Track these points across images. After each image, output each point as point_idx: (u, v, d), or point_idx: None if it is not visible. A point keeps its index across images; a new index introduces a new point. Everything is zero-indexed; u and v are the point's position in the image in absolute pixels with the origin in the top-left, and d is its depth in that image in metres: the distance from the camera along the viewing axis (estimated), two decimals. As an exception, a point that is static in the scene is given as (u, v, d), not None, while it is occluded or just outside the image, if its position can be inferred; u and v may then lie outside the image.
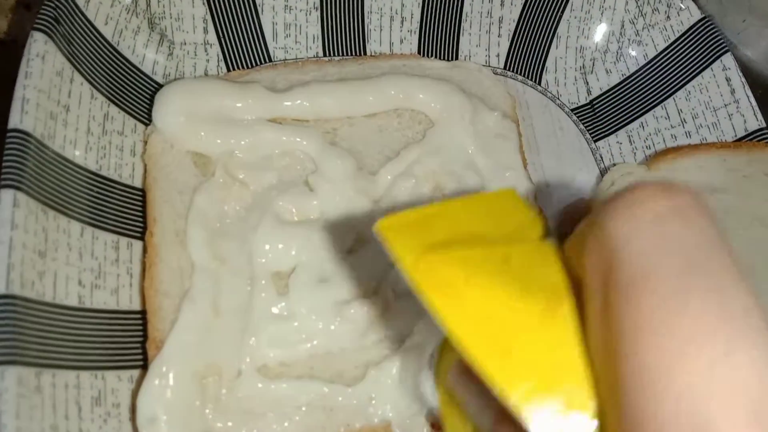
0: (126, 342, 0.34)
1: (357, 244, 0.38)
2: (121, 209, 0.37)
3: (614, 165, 0.45)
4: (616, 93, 0.48)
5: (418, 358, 0.34)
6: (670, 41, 0.46)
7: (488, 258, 0.22)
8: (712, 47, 0.45)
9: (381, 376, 0.35)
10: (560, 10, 0.48)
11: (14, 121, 0.32)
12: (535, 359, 0.20)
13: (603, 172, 0.47)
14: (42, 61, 0.33)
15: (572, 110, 0.48)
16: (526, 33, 0.48)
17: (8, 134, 0.32)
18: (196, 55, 0.42)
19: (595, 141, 0.48)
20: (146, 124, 0.39)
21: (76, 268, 0.33)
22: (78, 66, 0.36)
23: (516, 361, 0.20)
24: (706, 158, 0.42)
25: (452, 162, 0.41)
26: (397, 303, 0.37)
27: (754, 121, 0.43)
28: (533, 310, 0.21)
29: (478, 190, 0.40)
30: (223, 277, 0.35)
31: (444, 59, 0.46)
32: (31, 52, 0.33)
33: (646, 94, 0.47)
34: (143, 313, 0.35)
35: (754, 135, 0.43)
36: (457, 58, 0.47)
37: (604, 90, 0.48)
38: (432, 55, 0.46)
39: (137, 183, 0.38)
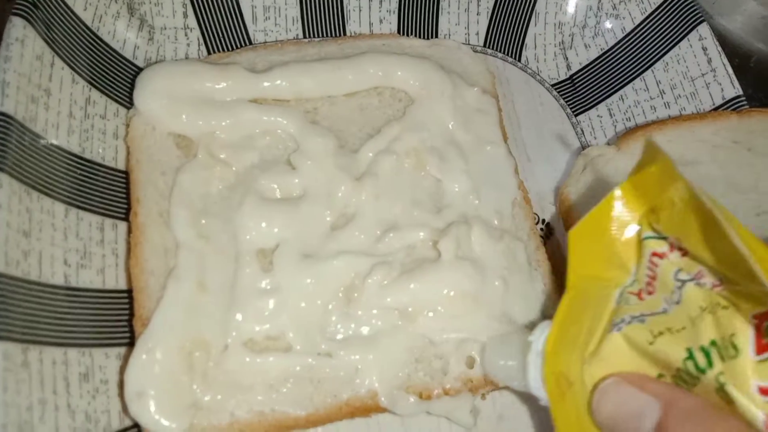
0: (113, 320, 0.35)
1: (340, 221, 0.38)
2: (106, 191, 0.37)
3: (586, 148, 0.46)
4: (596, 67, 0.49)
5: (522, 343, 0.33)
6: (647, 13, 0.47)
7: None
8: (688, 18, 0.45)
9: (366, 347, 0.36)
10: (538, -13, 0.48)
11: (-5, 103, 0.32)
12: None
13: (584, 146, 0.47)
14: (21, 45, 0.34)
15: (552, 85, 0.49)
16: (504, 10, 0.48)
17: (-10, 117, 0.32)
18: (176, 39, 0.43)
19: (575, 115, 0.48)
20: (128, 108, 0.40)
21: (61, 248, 0.34)
22: (58, 51, 0.36)
23: None
24: (674, 132, 0.42)
25: (433, 138, 0.41)
26: (379, 277, 0.37)
27: (731, 89, 0.44)
28: None
29: (459, 164, 0.41)
30: (207, 255, 0.36)
31: (423, 38, 0.47)
32: (10, 36, 0.34)
33: (624, 67, 0.48)
34: (129, 291, 0.36)
35: (732, 103, 0.43)
36: (436, 38, 0.47)
37: (583, 65, 0.49)
38: (412, 35, 0.47)
39: (120, 165, 0.38)
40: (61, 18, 0.37)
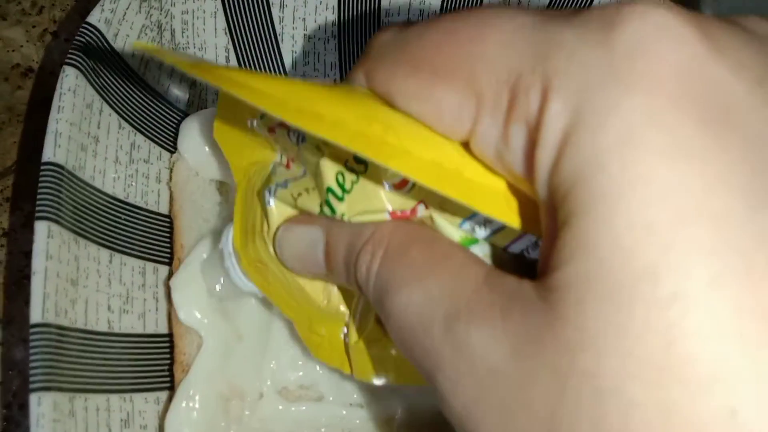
0: (152, 364, 0.36)
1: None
2: (148, 235, 0.38)
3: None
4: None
5: (212, 261, 0.34)
6: None
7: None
8: None
9: (396, 398, 0.36)
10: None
11: (48, 154, 0.33)
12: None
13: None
14: (73, 95, 0.35)
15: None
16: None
17: (42, 167, 0.33)
18: (218, 83, 0.44)
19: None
20: (171, 152, 0.41)
21: (106, 294, 0.35)
22: (106, 97, 0.37)
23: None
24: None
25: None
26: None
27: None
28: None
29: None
30: (243, 301, 0.37)
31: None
32: (63, 86, 0.35)
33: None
34: (169, 336, 0.37)
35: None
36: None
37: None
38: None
39: (162, 209, 0.39)
40: (110, 65, 0.38)
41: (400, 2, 0.44)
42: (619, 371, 0.16)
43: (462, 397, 0.19)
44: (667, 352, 0.16)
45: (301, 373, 0.36)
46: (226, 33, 0.43)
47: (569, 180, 0.17)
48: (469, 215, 0.24)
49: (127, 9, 0.38)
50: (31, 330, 0.30)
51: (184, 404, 0.34)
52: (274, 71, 0.45)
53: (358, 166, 0.26)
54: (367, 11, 0.44)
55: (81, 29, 0.36)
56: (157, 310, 0.37)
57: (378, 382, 0.30)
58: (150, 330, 0.37)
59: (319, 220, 0.27)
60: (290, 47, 0.45)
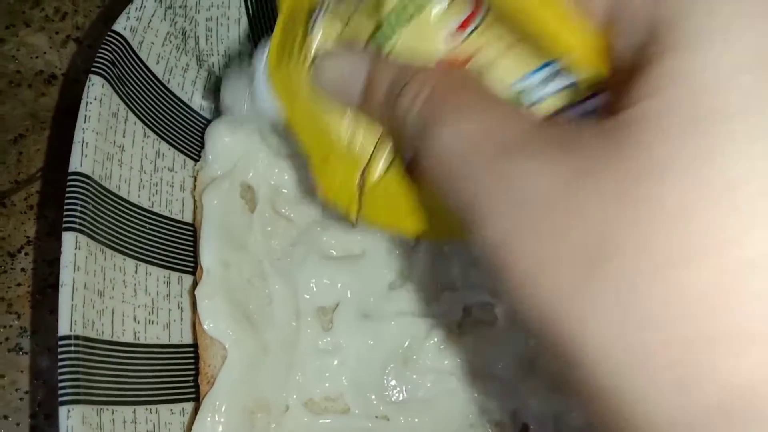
0: (178, 375, 0.36)
1: (398, 280, 0.39)
2: (172, 244, 0.38)
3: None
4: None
5: (239, 81, 0.32)
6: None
7: None
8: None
9: (422, 411, 0.36)
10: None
11: (74, 164, 0.33)
12: None
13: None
14: (99, 104, 0.35)
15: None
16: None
17: (69, 177, 0.33)
18: (242, 89, 0.43)
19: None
20: (195, 160, 0.40)
21: (131, 304, 0.34)
22: (132, 106, 0.37)
23: None
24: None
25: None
26: (437, 338, 0.37)
27: None
28: None
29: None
30: (269, 313, 0.36)
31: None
32: (89, 95, 0.35)
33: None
34: (194, 346, 0.36)
35: None
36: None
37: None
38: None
39: (187, 218, 0.39)
40: (136, 73, 0.37)
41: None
42: (692, 197, 0.15)
43: (501, 225, 0.18)
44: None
45: (327, 385, 0.36)
46: (250, 40, 0.43)
47: (666, 19, 0.17)
48: (531, 72, 0.23)
49: (152, 17, 0.38)
50: (60, 342, 0.30)
51: (209, 417, 0.33)
52: (298, 78, 0.44)
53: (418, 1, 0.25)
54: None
55: (107, 38, 0.36)
56: (182, 320, 0.37)
57: (383, 229, 0.30)
58: (175, 340, 0.36)
59: (366, 50, 0.27)
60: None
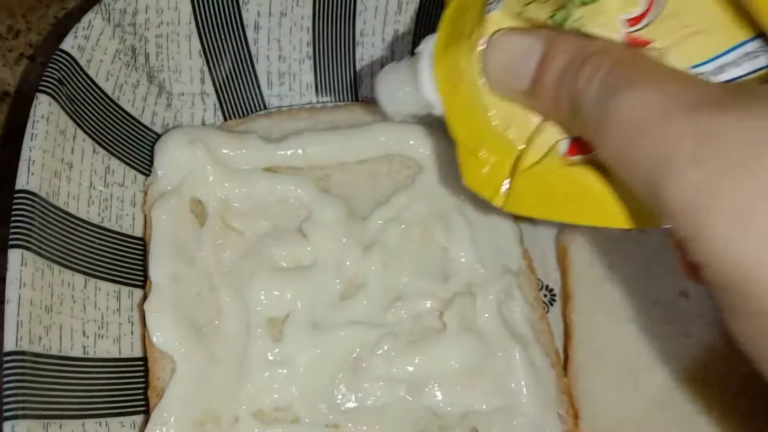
0: (128, 389, 0.36)
1: (349, 290, 0.39)
2: (122, 259, 0.38)
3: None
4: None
5: (411, 63, 0.32)
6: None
7: None
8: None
9: (372, 419, 0.37)
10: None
11: (21, 182, 0.34)
12: None
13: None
14: (47, 122, 0.35)
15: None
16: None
17: (15, 195, 0.33)
18: (193, 104, 0.44)
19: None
20: (146, 175, 0.41)
21: (80, 319, 0.35)
22: (80, 123, 0.37)
23: None
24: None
25: (441, 207, 0.42)
26: (387, 346, 0.38)
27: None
28: None
29: (465, 233, 0.42)
30: (219, 326, 0.37)
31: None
32: (36, 113, 0.35)
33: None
34: (145, 359, 0.37)
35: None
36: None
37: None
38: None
39: (137, 233, 0.40)
40: (85, 90, 0.38)
41: (375, 24, 0.45)
42: None
43: (702, 173, 0.20)
44: None
45: (276, 396, 0.36)
46: (201, 55, 0.43)
47: None
48: (712, 57, 0.26)
49: (100, 35, 0.38)
50: (5, 358, 0.31)
51: (158, 430, 0.34)
52: (250, 92, 0.45)
53: None
54: (342, 32, 0.45)
55: (54, 56, 0.36)
56: (132, 333, 0.37)
57: (533, 215, 0.32)
58: (126, 354, 0.37)
59: (541, 32, 0.28)
60: (266, 68, 0.45)
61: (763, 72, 0.25)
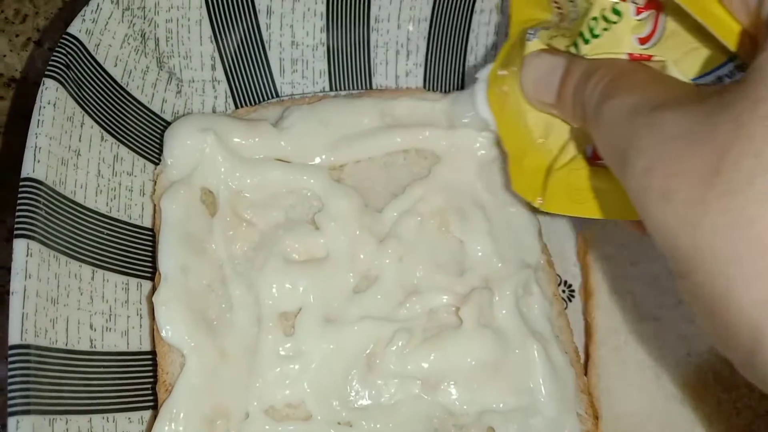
0: (136, 383, 0.35)
1: (363, 284, 0.38)
2: (131, 250, 0.37)
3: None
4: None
5: (465, 96, 0.40)
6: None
7: None
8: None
9: (386, 417, 0.36)
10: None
11: (27, 169, 0.33)
12: None
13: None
14: (53, 108, 0.34)
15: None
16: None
17: (21, 183, 0.32)
18: (204, 92, 0.43)
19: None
20: (155, 164, 0.40)
21: (88, 312, 0.34)
22: (88, 109, 0.36)
23: None
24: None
25: (457, 198, 0.41)
26: (401, 341, 0.37)
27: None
28: None
29: (483, 226, 0.41)
30: (229, 319, 0.36)
31: (449, 92, 0.47)
32: (42, 99, 0.34)
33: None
34: (153, 353, 0.36)
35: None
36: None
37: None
38: (438, 89, 0.47)
39: (146, 223, 0.39)
40: (92, 76, 0.37)
41: (390, 10, 0.43)
42: None
43: (649, 157, 0.24)
44: None
45: (288, 392, 0.35)
46: (212, 41, 0.42)
47: None
48: (707, 72, 0.30)
49: (109, 19, 0.37)
50: (10, 352, 0.30)
51: (167, 426, 0.33)
52: (262, 79, 0.44)
53: (614, 16, 0.31)
54: (357, 18, 0.44)
55: (61, 41, 0.35)
56: (141, 326, 0.36)
57: (564, 213, 0.36)
58: (134, 348, 0.36)
59: (563, 53, 0.34)
60: (278, 54, 0.44)
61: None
